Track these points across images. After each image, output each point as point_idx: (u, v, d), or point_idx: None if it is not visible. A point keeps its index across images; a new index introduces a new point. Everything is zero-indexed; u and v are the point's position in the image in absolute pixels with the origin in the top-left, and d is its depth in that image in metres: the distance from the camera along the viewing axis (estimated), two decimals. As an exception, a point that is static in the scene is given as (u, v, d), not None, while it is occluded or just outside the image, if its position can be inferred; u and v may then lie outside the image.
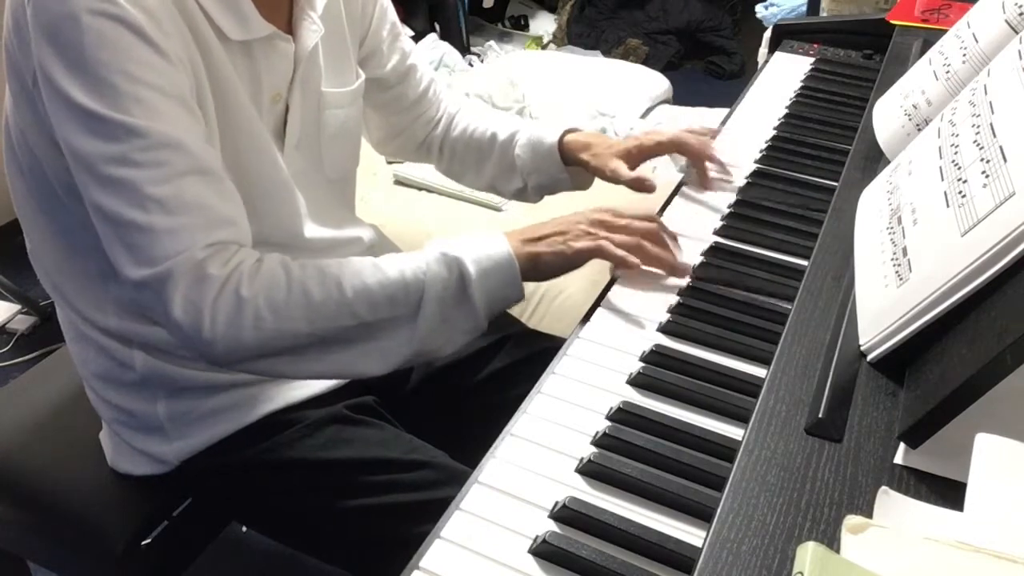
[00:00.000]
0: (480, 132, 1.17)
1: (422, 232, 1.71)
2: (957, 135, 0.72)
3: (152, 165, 0.75)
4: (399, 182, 1.91)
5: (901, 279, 0.69)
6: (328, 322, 0.81)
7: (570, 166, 1.11)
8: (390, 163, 1.94)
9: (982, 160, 0.66)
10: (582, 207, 0.94)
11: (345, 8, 1.01)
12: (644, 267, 0.89)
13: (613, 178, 1.05)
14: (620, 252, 0.88)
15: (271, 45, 0.89)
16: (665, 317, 0.85)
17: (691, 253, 0.96)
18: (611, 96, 2.56)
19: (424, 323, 0.83)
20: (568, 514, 0.66)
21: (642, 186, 1.03)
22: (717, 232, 0.99)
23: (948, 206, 0.67)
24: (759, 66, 1.46)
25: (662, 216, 1.04)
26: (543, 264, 0.88)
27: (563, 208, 1.14)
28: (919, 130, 0.95)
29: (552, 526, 0.66)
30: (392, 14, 1.10)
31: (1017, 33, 0.88)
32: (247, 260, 0.80)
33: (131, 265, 0.77)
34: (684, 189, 1.08)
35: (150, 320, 0.88)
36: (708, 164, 1.08)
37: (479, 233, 0.88)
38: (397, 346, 0.84)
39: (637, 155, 1.07)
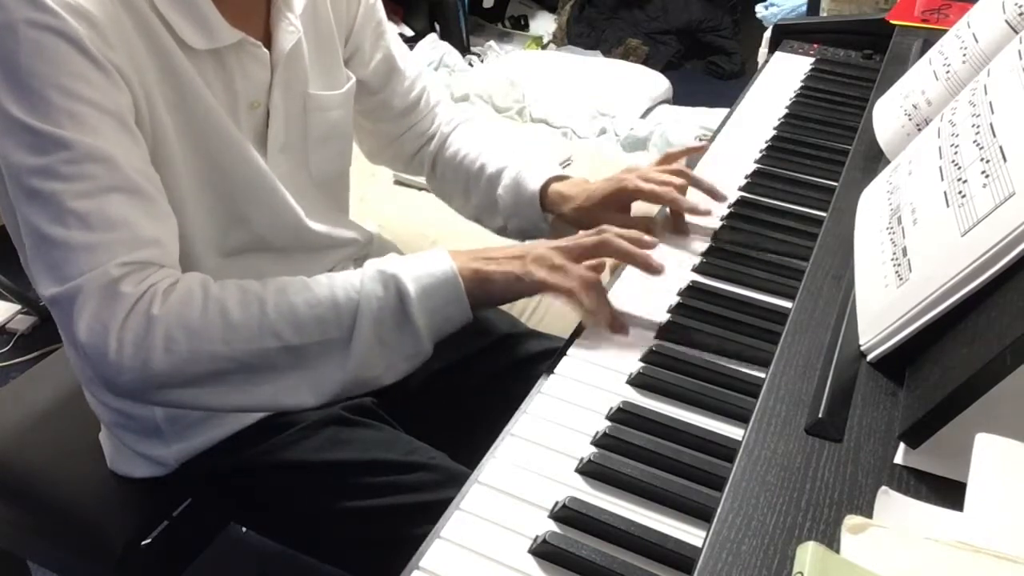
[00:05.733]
0: (470, 160, 1.10)
1: (422, 233, 1.71)
2: (957, 135, 0.72)
3: (76, 179, 0.72)
4: (399, 182, 1.91)
5: (901, 279, 0.69)
6: (248, 344, 0.76)
7: (550, 214, 1.04)
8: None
9: (982, 160, 0.66)
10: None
11: (332, 7, 0.98)
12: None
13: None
14: (573, 286, 0.81)
15: (243, 52, 0.87)
16: (665, 317, 0.85)
17: (690, 252, 0.96)
18: (611, 96, 2.56)
19: (359, 346, 0.78)
20: (568, 514, 0.66)
21: (653, 229, 0.95)
22: (717, 233, 0.99)
23: (948, 206, 0.67)
24: (759, 66, 1.46)
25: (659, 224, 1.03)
26: (492, 285, 0.82)
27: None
28: (919, 130, 0.95)
29: (552, 526, 0.66)
30: (379, 13, 1.07)
31: (1017, 33, 0.88)
32: (164, 279, 0.76)
33: (46, 282, 0.74)
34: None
35: None
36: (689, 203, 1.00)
37: (421, 253, 0.83)
38: (329, 373, 0.78)
39: (620, 198, 0.99)
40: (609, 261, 0.89)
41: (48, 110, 0.72)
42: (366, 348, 0.78)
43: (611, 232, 0.85)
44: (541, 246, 0.85)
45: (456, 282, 0.80)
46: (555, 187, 1.04)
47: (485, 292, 0.82)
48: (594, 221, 0.98)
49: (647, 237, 0.86)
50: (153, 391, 0.76)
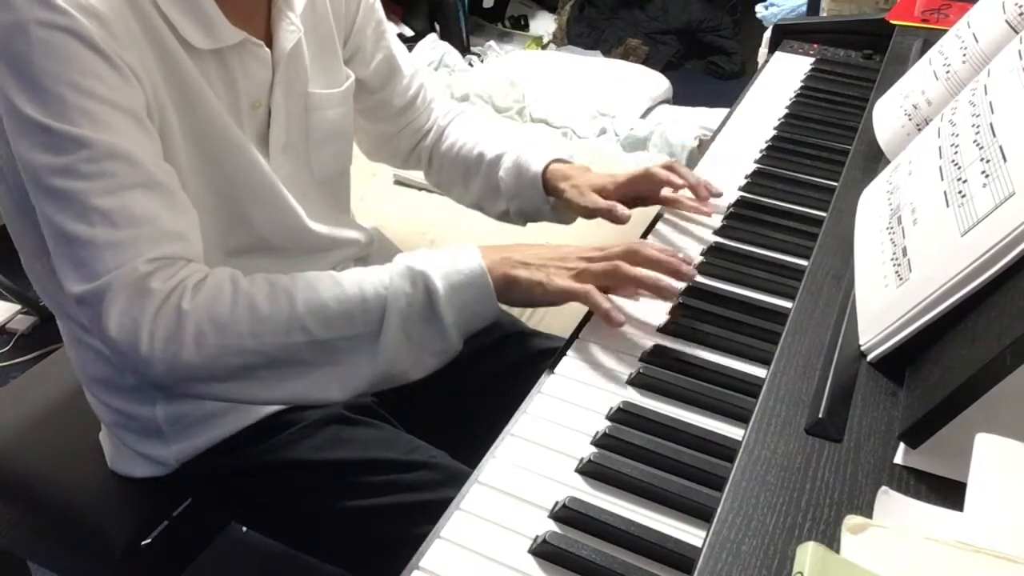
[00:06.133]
0: (468, 148, 1.12)
1: (422, 233, 1.70)
2: (957, 135, 0.72)
3: (98, 176, 0.73)
4: (399, 183, 1.91)
5: (901, 279, 0.69)
6: (276, 338, 0.76)
7: (552, 196, 1.06)
8: (390, 163, 1.93)
9: (982, 160, 0.66)
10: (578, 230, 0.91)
11: (331, 6, 0.98)
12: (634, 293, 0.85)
13: (589, 208, 1.00)
14: (605, 305, 0.81)
15: (245, 51, 0.87)
16: (665, 318, 0.85)
17: (691, 253, 0.96)
18: (611, 96, 2.56)
19: (387, 342, 0.78)
20: (568, 514, 0.66)
21: (613, 215, 0.97)
22: (717, 232, 0.99)
23: (948, 206, 0.67)
24: (759, 66, 1.46)
25: (661, 219, 1.03)
26: (518, 290, 0.83)
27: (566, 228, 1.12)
28: (919, 130, 0.95)
29: (552, 526, 0.66)
30: (379, 13, 1.07)
31: (1017, 33, 0.88)
32: (193, 275, 0.76)
33: (73, 280, 0.74)
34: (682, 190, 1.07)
35: None
36: (684, 193, 1.02)
37: (450, 248, 0.83)
38: (357, 368, 0.79)
39: (612, 190, 1.01)
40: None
41: (63, 109, 0.72)
42: (394, 344, 0.78)
43: (643, 247, 0.86)
44: (570, 254, 0.85)
45: (485, 280, 0.81)
46: (556, 167, 1.05)
47: (509, 296, 0.83)
48: (587, 203, 1.00)
49: (684, 267, 0.85)
50: (183, 384, 0.77)
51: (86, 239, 0.73)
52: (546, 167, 1.05)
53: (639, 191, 1.03)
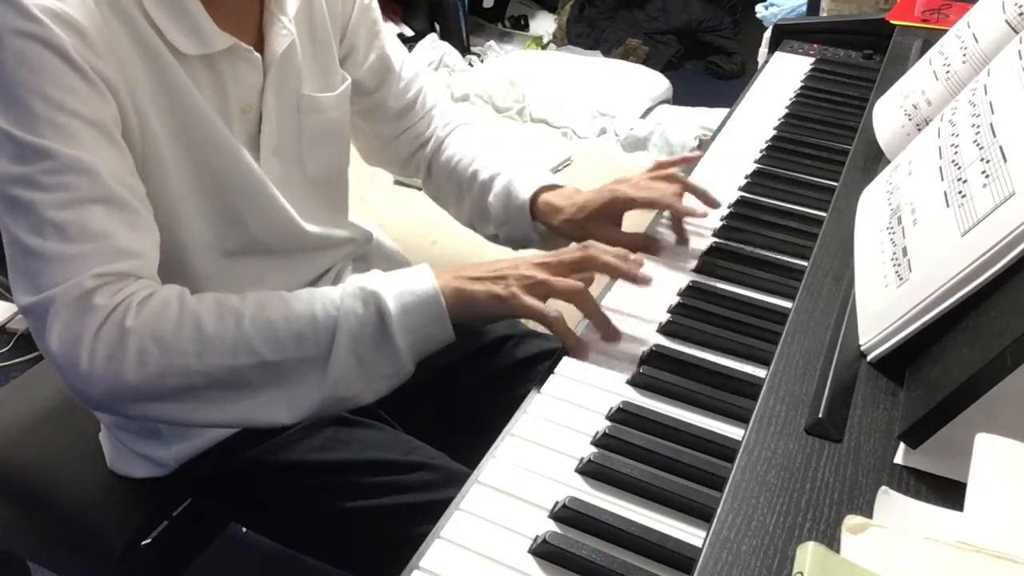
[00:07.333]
0: (463, 166, 1.08)
1: (422, 233, 1.71)
2: (957, 135, 0.72)
3: (57, 188, 0.72)
4: (399, 182, 1.91)
5: (901, 279, 0.69)
6: (222, 359, 0.74)
7: (542, 224, 1.02)
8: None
9: (982, 160, 0.66)
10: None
11: (327, 7, 0.97)
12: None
13: (610, 243, 0.96)
14: (572, 339, 0.81)
15: (235, 57, 0.86)
16: (665, 317, 0.85)
17: (690, 252, 0.96)
18: (611, 96, 2.56)
19: (336, 365, 0.76)
20: (568, 514, 0.66)
21: (652, 247, 0.95)
22: (717, 232, 0.99)
23: (948, 206, 0.67)
24: (759, 66, 1.46)
25: (659, 219, 1.03)
26: (476, 306, 0.81)
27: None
28: (919, 130, 0.95)
29: (552, 526, 0.66)
30: (374, 13, 1.06)
31: (1017, 33, 0.88)
32: (140, 291, 0.74)
33: (21, 291, 0.73)
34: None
35: None
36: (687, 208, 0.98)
37: (403, 270, 0.82)
38: (306, 391, 0.77)
39: (613, 209, 0.97)
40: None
41: (31, 120, 0.72)
42: (344, 366, 0.77)
43: (596, 247, 0.86)
44: (524, 263, 0.84)
45: (438, 301, 0.79)
46: (544, 197, 1.02)
47: (468, 312, 0.81)
48: (585, 234, 0.98)
49: (632, 255, 0.86)
50: (124, 404, 0.75)
51: (38, 251, 0.72)
52: (534, 197, 1.02)
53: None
